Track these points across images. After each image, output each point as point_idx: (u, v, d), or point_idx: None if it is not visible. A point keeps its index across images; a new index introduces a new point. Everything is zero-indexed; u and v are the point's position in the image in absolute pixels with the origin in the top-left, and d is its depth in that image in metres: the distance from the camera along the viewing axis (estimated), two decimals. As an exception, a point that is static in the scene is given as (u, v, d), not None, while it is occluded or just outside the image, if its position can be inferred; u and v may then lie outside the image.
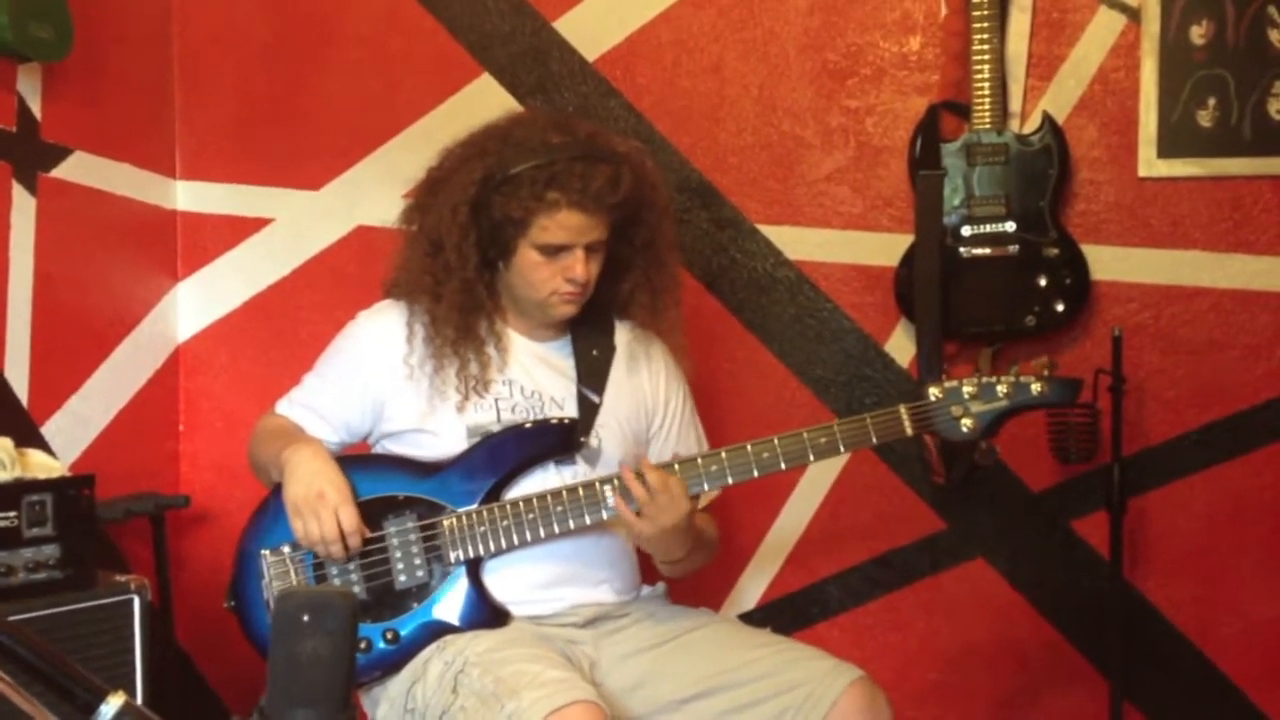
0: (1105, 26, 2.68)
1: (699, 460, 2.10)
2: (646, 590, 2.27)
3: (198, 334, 3.10)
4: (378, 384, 2.18)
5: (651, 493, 2.00)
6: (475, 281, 2.13)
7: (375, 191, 2.95)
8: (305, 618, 1.01)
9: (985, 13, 2.61)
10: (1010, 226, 2.64)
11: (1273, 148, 2.60)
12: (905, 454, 2.78)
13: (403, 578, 2.09)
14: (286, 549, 2.10)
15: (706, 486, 2.10)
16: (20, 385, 2.65)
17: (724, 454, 2.09)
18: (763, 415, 2.81)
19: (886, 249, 2.75)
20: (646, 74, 2.89)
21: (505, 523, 2.08)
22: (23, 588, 2.14)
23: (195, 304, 3.10)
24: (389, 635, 2.07)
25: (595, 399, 2.19)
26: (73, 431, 2.76)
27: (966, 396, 2.11)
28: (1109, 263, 2.68)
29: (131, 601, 2.25)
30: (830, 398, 2.83)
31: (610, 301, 2.26)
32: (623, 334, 2.28)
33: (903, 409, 2.12)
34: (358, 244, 3.00)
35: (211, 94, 3.08)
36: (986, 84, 2.62)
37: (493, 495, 2.11)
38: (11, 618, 1.05)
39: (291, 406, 2.25)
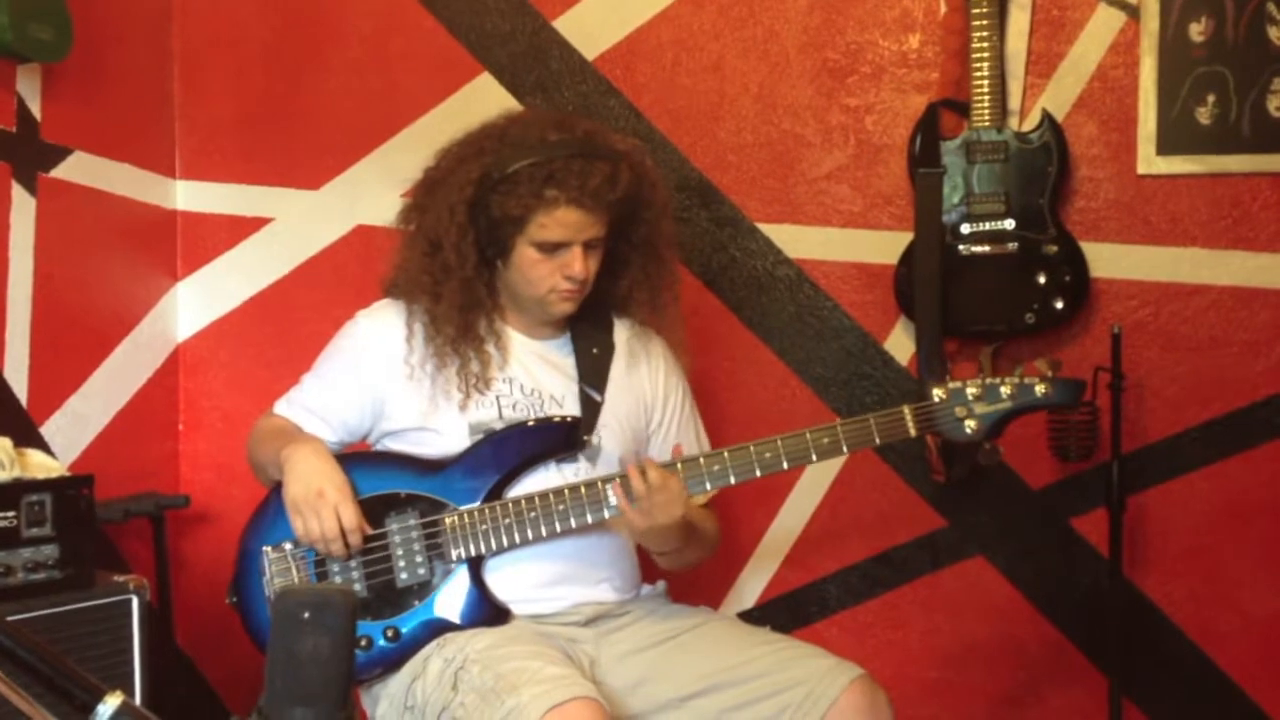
0: (1104, 24, 2.68)
1: (701, 460, 2.10)
2: (647, 589, 2.27)
3: (197, 333, 3.10)
4: (377, 384, 2.18)
5: (651, 489, 2.01)
6: (474, 280, 2.14)
7: (375, 191, 2.95)
8: (305, 615, 1.02)
9: (984, 10, 2.61)
10: (1010, 224, 2.64)
11: (1272, 145, 2.59)
12: (905, 452, 2.78)
13: (404, 575, 2.09)
14: (288, 546, 2.11)
15: (709, 486, 2.10)
16: (20, 385, 2.65)
17: (726, 454, 2.10)
18: (762, 413, 2.81)
19: (886, 247, 2.75)
20: (646, 73, 2.89)
21: (507, 521, 2.08)
22: (22, 588, 2.14)
23: (195, 304, 3.10)
24: (390, 633, 2.07)
25: (597, 397, 2.20)
26: (72, 431, 2.76)
27: (970, 398, 2.11)
28: (1108, 260, 2.68)
29: (130, 601, 2.26)
30: (830, 396, 2.83)
31: (609, 299, 2.26)
32: (622, 331, 2.28)
33: (906, 410, 2.12)
34: (357, 243, 3.00)
35: (211, 94, 3.08)
36: (986, 82, 2.62)
37: (495, 493, 2.11)
38: (10, 618, 1.05)
39: (290, 407, 2.25)
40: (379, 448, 2.23)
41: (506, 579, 2.11)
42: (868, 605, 2.84)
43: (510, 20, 2.94)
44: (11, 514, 2.15)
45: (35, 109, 2.69)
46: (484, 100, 2.89)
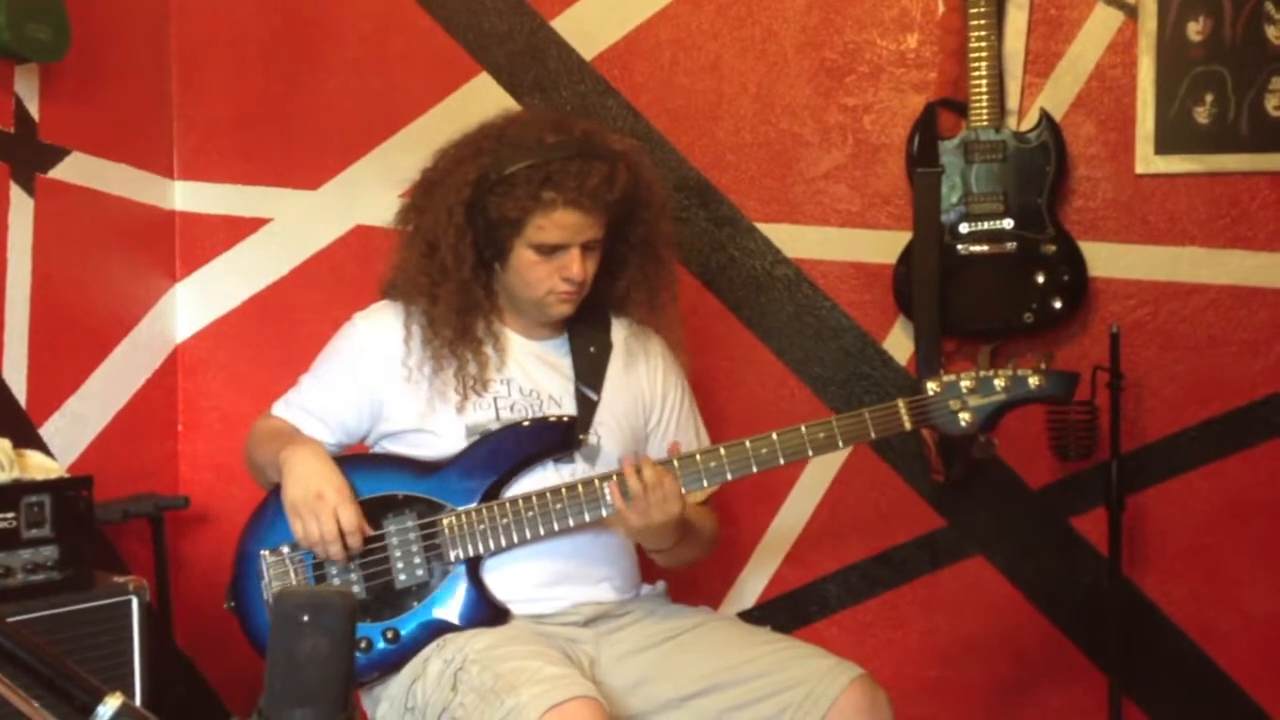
0: (1102, 23, 2.68)
1: (698, 457, 2.10)
2: (646, 589, 2.27)
3: (196, 334, 3.10)
4: (375, 385, 2.18)
5: (647, 487, 2.01)
6: (472, 282, 2.14)
7: (373, 191, 2.95)
8: (304, 617, 1.02)
9: (982, 10, 2.61)
10: (1008, 224, 2.64)
11: (1270, 144, 2.60)
12: (904, 451, 2.78)
13: (402, 577, 2.09)
14: (286, 549, 2.11)
15: (706, 483, 2.10)
16: (18, 386, 2.65)
17: (723, 450, 2.10)
18: (761, 413, 2.81)
19: (885, 246, 2.75)
20: (644, 72, 2.89)
21: (505, 521, 2.08)
22: (21, 589, 2.14)
23: (194, 304, 3.10)
24: (389, 634, 2.07)
25: (593, 396, 2.20)
26: (71, 432, 2.76)
27: (964, 390, 2.12)
28: (1107, 259, 2.68)
29: (130, 602, 2.26)
30: (829, 395, 2.83)
31: (607, 299, 2.26)
32: (619, 331, 2.28)
33: (901, 403, 2.12)
34: (356, 243, 3.00)
35: (209, 94, 3.08)
36: (984, 81, 2.62)
37: (492, 493, 2.11)
38: (10, 619, 1.05)
39: (288, 408, 2.25)
40: (377, 449, 2.23)
41: (505, 579, 2.11)
42: (867, 605, 2.84)
43: (508, 20, 2.94)
44: (11, 515, 2.15)
45: (33, 109, 2.69)
46: (482, 100, 2.89)
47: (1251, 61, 2.59)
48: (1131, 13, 2.66)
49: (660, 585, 2.29)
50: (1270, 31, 2.59)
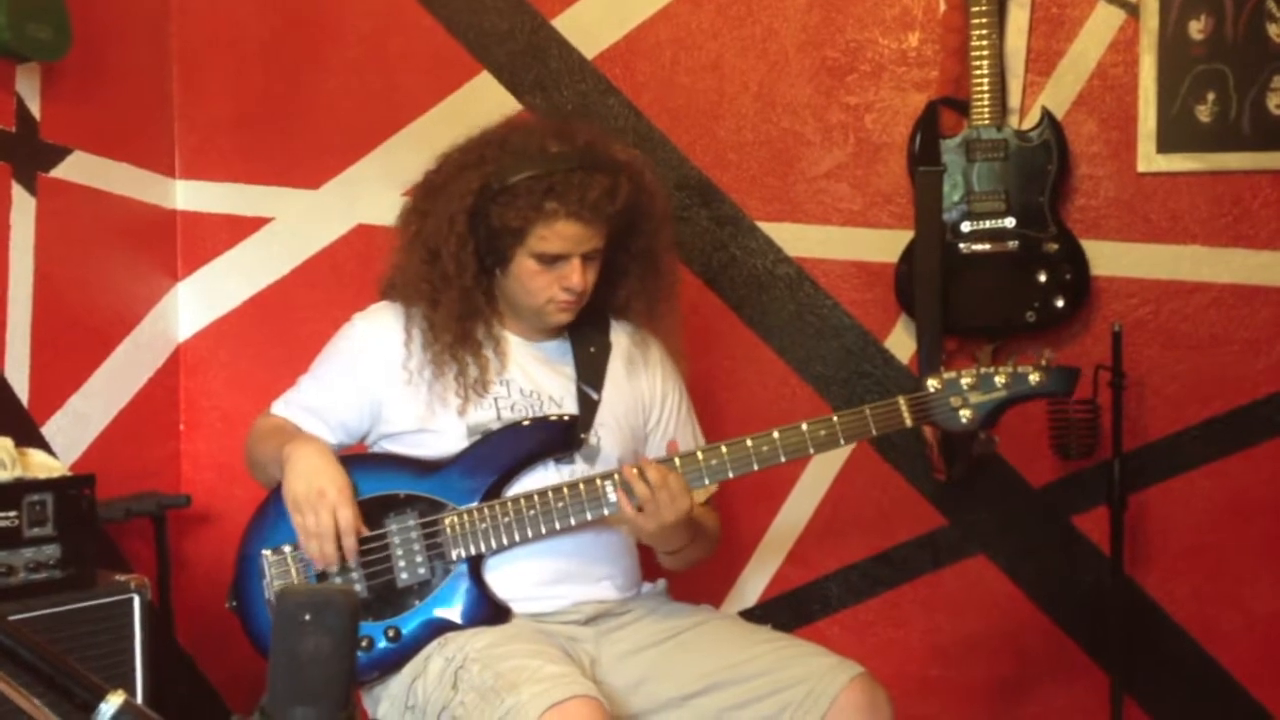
0: (1104, 22, 2.68)
1: (699, 455, 2.10)
2: (647, 587, 2.27)
3: (198, 333, 3.10)
4: (375, 387, 2.18)
5: (653, 489, 2.01)
6: (473, 289, 2.14)
7: (375, 190, 2.95)
8: (306, 616, 1.01)
9: (984, 8, 2.60)
10: (1010, 222, 2.64)
11: (1272, 142, 2.59)
12: (906, 450, 2.78)
13: (404, 575, 2.09)
14: (287, 549, 2.11)
15: (707, 481, 2.10)
16: (20, 385, 2.65)
17: (724, 448, 2.10)
18: (763, 412, 2.81)
19: (886, 245, 2.75)
20: (645, 71, 2.89)
21: (506, 520, 2.08)
22: (23, 587, 2.14)
23: (195, 303, 3.10)
24: (390, 633, 2.07)
25: (594, 395, 2.20)
26: (73, 431, 2.76)
27: (965, 387, 2.12)
28: (1109, 258, 2.68)
29: (132, 601, 2.26)
30: (830, 394, 2.83)
31: (607, 305, 2.26)
32: (619, 334, 2.29)
33: (901, 400, 2.12)
34: (358, 242, 3.00)
35: (210, 93, 3.08)
36: (985, 80, 2.62)
37: (493, 492, 2.11)
38: (12, 617, 1.05)
39: (288, 407, 2.25)
40: (376, 449, 2.23)
41: (506, 578, 2.11)
42: (869, 604, 2.84)
43: (509, 19, 2.94)
44: (13, 514, 2.15)
45: (34, 109, 2.69)
46: (483, 99, 2.89)
47: (1253, 60, 2.59)
48: (1133, 11, 2.66)
49: (661, 584, 2.29)
50: (1272, 30, 2.59)
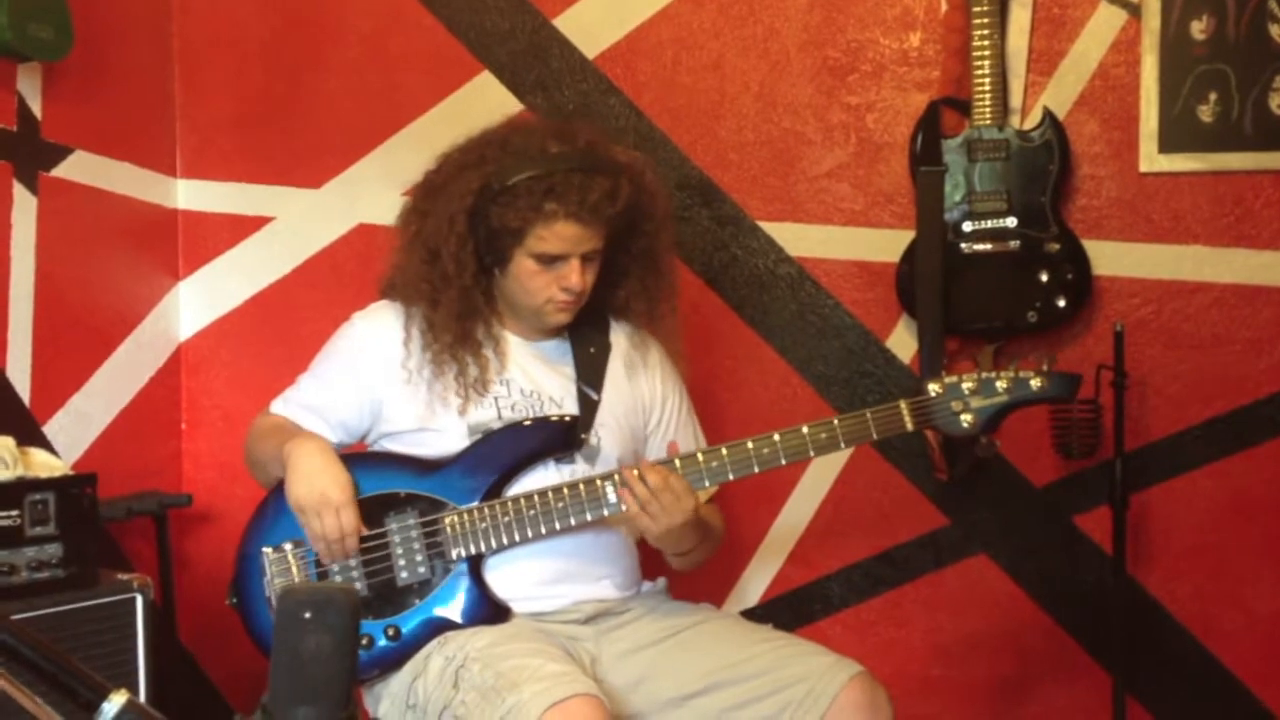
0: (1106, 22, 2.68)
1: (700, 456, 2.10)
2: (647, 586, 2.27)
3: (199, 332, 3.10)
4: (375, 386, 2.18)
5: (654, 492, 2.01)
6: (473, 289, 2.14)
7: (376, 189, 2.95)
8: (307, 614, 1.01)
9: (986, 8, 2.60)
10: (1011, 222, 2.63)
11: (1274, 142, 2.59)
12: (907, 450, 2.78)
13: (404, 574, 2.09)
14: (288, 546, 2.11)
15: (708, 483, 2.10)
16: (22, 384, 2.65)
17: (724, 450, 2.10)
18: (764, 412, 2.81)
19: (888, 245, 2.75)
20: (647, 71, 2.89)
21: (506, 519, 2.08)
22: (25, 587, 2.14)
23: (196, 302, 3.10)
24: (390, 632, 2.07)
25: (594, 396, 2.20)
26: (75, 430, 2.76)
27: (966, 392, 2.11)
28: (1111, 258, 2.68)
29: (134, 600, 2.26)
30: (832, 394, 2.83)
31: (607, 304, 2.26)
32: (619, 335, 2.29)
33: (903, 404, 2.12)
34: (359, 242, 3.00)
35: (212, 92, 3.08)
36: (987, 80, 2.62)
37: (494, 492, 2.11)
38: (14, 617, 1.05)
39: (287, 405, 2.25)
40: (376, 448, 2.23)
41: (506, 577, 2.11)
42: (870, 603, 2.84)
43: (510, 18, 2.94)
44: (15, 513, 2.15)
45: (36, 108, 2.69)
46: (484, 99, 2.89)
47: (1255, 60, 2.59)
48: (1135, 11, 2.65)
49: (661, 582, 2.29)
50: (1274, 30, 2.59)
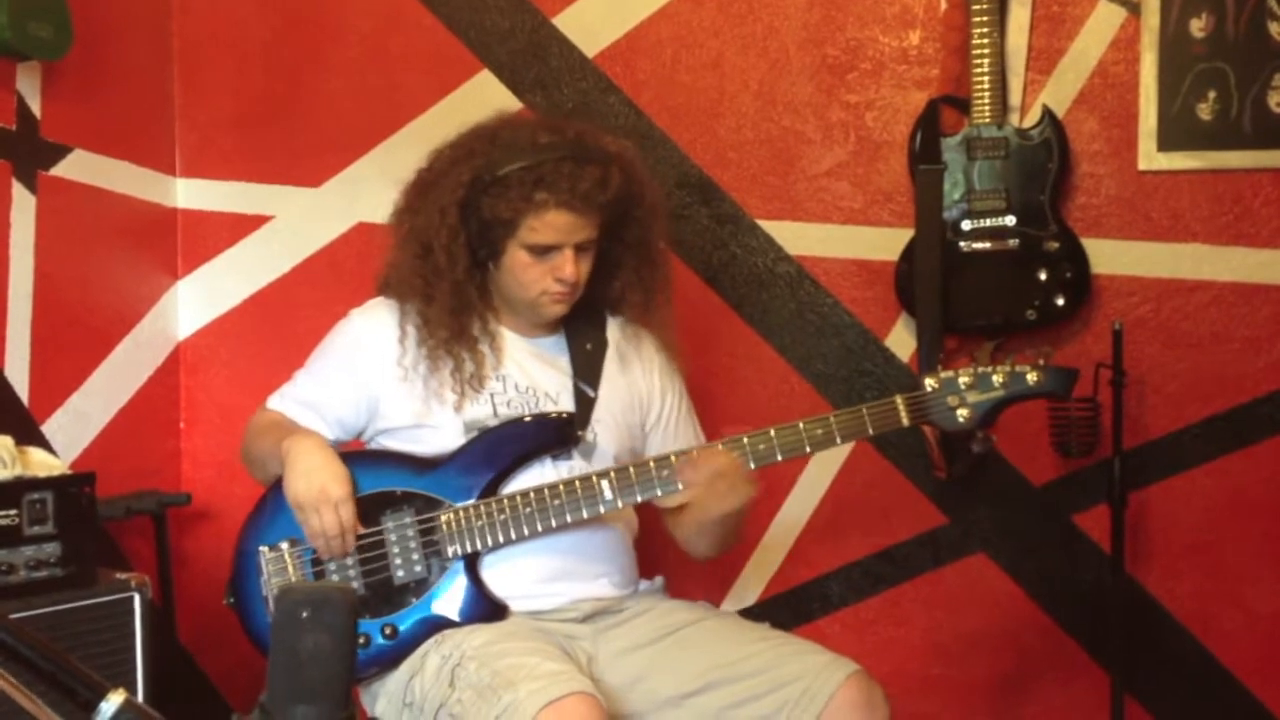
0: (1105, 20, 2.68)
1: (696, 453, 2.10)
2: (645, 584, 2.27)
3: (198, 331, 3.10)
4: (372, 382, 2.18)
5: (721, 474, 2.01)
6: (466, 283, 2.14)
7: (375, 188, 2.93)
8: (304, 613, 1.01)
9: (985, 7, 2.60)
10: (1010, 220, 2.63)
11: (1273, 141, 2.59)
12: (906, 449, 2.78)
13: (400, 573, 2.09)
14: (285, 545, 2.11)
15: None
16: (21, 383, 2.65)
17: (720, 447, 2.10)
18: (763, 410, 2.81)
19: (887, 244, 2.75)
20: (646, 70, 2.89)
21: (502, 517, 2.08)
22: (24, 586, 2.14)
23: (195, 301, 3.10)
24: (387, 630, 2.07)
25: (590, 392, 2.20)
26: (73, 429, 2.76)
27: (963, 387, 2.12)
28: (1109, 256, 2.68)
29: (132, 599, 2.26)
30: (831, 393, 2.83)
31: (602, 298, 2.26)
32: (614, 329, 2.28)
33: (899, 399, 2.12)
34: (358, 241, 2.99)
35: (211, 91, 3.08)
36: (986, 78, 2.62)
37: (490, 490, 2.11)
38: (13, 616, 1.05)
39: (284, 402, 2.24)
40: (374, 446, 2.23)
41: (503, 575, 2.11)
42: (869, 602, 2.84)
43: (510, 17, 2.94)
44: (13, 512, 2.15)
45: (35, 107, 2.69)
46: (484, 98, 2.89)
47: (1254, 58, 2.59)
48: (1134, 9, 2.65)
49: (659, 581, 2.29)
50: (1273, 28, 2.59)
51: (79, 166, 2.80)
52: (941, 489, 2.78)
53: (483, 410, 2.15)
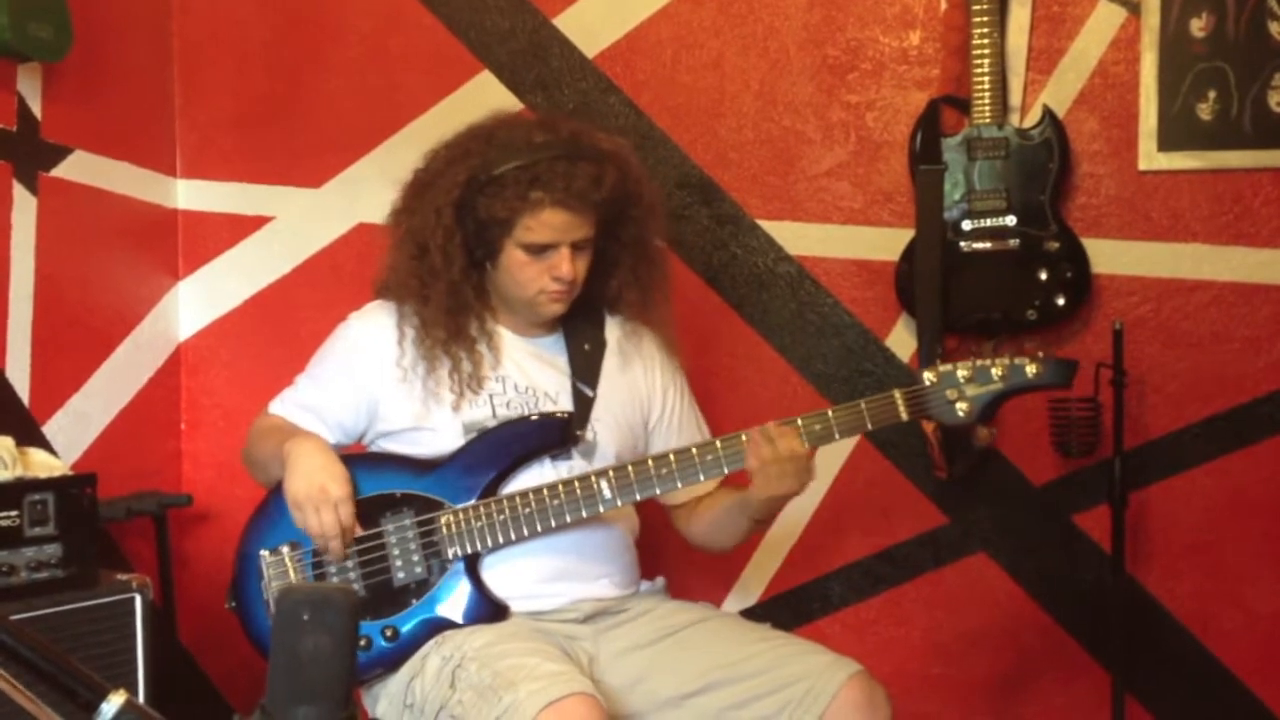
0: (1105, 20, 2.68)
1: (694, 450, 2.10)
2: (646, 585, 2.27)
3: (199, 332, 3.10)
4: (371, 385, 2.19)
5: (786, 457, 2.02)
6: (462, 283, 2.14)
7: (376, 189, 2.91)
8: (305, 615, 1.01)
9: (985, 7, 2.60)
10: (1011, 220, 2.63)
11: (1273, 140, 2.59)
12: (907, 449, 2.78)
13: (401, 575, 2.09)
14: (285, 549, 2.11)
15: (702, 477, 2.10)
16: (22, 384, 2.65)
17: (719, 444, 2.10)
18: (763, 410, 2.77)
19: (887, 244, 2.75)
20: (646, 70, 2.89)
21: (502, 517, 2.08)
22: (25, 587, 2.14)
23: (196, 302, 3.10)
24: (388, 632, 2.07)
25: (589, 392, 2.20)
26: (74, 430, 2.76)
27: (961, 380, 2.11)
28: (1110, 256, 2.68)
29: (133, 600, 2.26)
30: (831, 393, 2.83)
31: (600, 297, 2.26)
32: (613, 328, 2.29)
33: (897, 393, 2.12)
34: (358, 241, 2.99)
35: (212, 92, 3.09)
36: (986, 78, 2.62)
37: (489, 491, 2.11)
38: (14, 617, 1.05)
39: (284, 405, 2.25)
40: (374, 448, 2.23)
41: (504, 576, 2.11)
42: (870, 602, 2.84)
43: (510, 18, 2.94)
44: (14, 513, 2.15)
45: (35, 108, 2.69)
46: (484, 98, 2.89)
47: (1254, 58, 2.59)
48: (1134, 9, 2.65)
49: (660, 581, 2.29)
50: (1273, 28, 2.59)
51: (79, 167, 2.80)
52: (942, 489, 2.78)
53: (482, 411, 2.15)
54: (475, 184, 2.10)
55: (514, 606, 2.10)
